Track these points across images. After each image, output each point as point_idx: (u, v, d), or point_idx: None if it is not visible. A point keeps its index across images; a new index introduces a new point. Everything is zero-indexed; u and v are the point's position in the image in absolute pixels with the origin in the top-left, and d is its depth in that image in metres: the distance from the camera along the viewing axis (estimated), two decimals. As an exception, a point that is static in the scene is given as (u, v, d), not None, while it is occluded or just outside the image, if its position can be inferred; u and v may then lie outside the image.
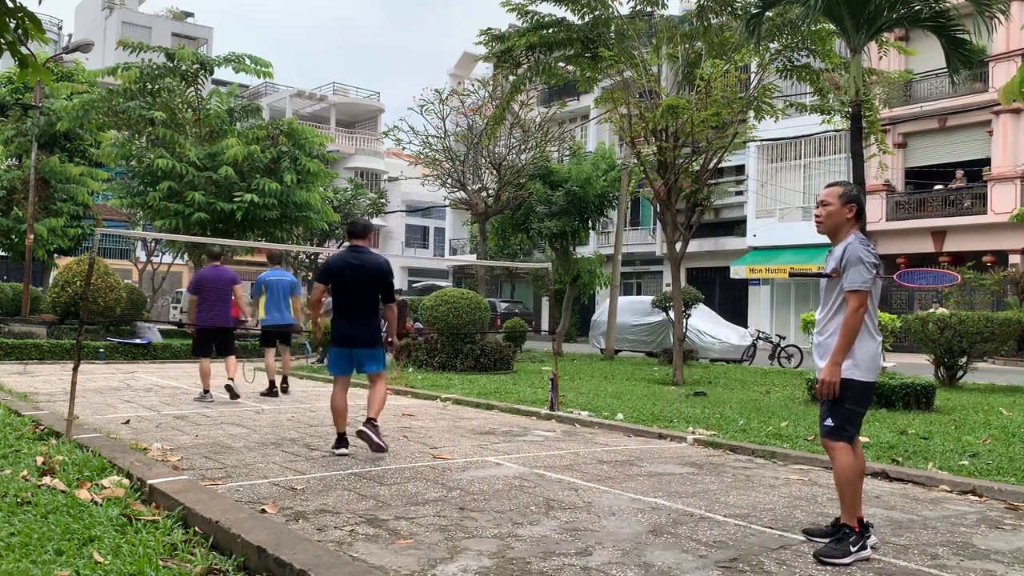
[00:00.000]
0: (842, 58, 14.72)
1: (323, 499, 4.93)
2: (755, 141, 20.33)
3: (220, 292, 9.94)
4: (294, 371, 14.18)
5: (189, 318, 10.13)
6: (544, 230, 22.30)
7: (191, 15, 52.82)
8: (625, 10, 14.34)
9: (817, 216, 4.33)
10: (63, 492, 4.63)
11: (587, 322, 30.03)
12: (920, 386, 9.94)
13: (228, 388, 9.91)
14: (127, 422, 7.81)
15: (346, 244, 6.80)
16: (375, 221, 38.54)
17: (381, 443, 6.30)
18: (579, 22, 14.64)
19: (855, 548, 3.97)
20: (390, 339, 7.05)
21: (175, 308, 34.39)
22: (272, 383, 10.65)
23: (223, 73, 31.26)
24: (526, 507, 4.89)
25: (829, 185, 4.36)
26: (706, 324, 21.35)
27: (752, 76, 14.85)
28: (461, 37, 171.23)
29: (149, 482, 4.84)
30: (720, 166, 15.88)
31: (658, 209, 14.26)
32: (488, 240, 25.18)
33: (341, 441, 6.55)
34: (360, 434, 6.31)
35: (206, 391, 9.82)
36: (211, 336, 10.02)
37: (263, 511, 4.51)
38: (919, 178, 28.00)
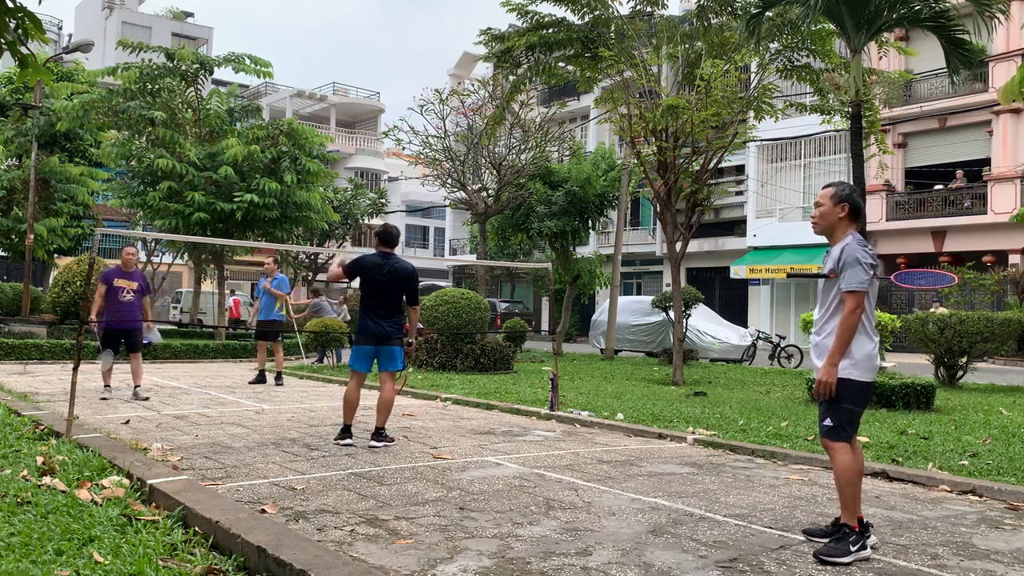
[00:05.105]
0: (842, 58, 14.71)
1: (323, 499, 4.93)
2: (755, 141, 20.33)
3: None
4: (294, 371, 14.36)
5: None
6: (544, 230, 22.29)
7: (191, 15, 52.80)
8: (625, 10, 14.34)
9: (813, 217, 4.38)
10: (63, 492, 4.63)
11: (587, 322, 30.05)
12: (920, 386, 9.94)
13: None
14: (127, 422, 7.82)
15: (373, 251, 7.22)
16: (375, 221, 38.53)
17: (390, 442, 6.98)
18: (579, 22, 14.64)
19: (855, 548, 3.97)
20: (409, 340, 7.39)
21: (175, 308, 34.37)
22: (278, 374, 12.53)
23: (223, 73, 31.33)
24: (526, 507, 4.89)
25: (826, 186, 4.39)
26: (706, 324, 21.35)
27: (752, 76, 14.85)
28: (461, 37, 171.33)
29: (149, 482, 4.84)
30: (720, 166, 15.88)
31: (658, 209, 14.26)
32: (488, 240, 25.16)
33: (346, 432, 6.98)
34: (371, 448, 6.84)
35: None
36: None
37: (263, 511, 4.51)
38: (919, 178, 28.00)
